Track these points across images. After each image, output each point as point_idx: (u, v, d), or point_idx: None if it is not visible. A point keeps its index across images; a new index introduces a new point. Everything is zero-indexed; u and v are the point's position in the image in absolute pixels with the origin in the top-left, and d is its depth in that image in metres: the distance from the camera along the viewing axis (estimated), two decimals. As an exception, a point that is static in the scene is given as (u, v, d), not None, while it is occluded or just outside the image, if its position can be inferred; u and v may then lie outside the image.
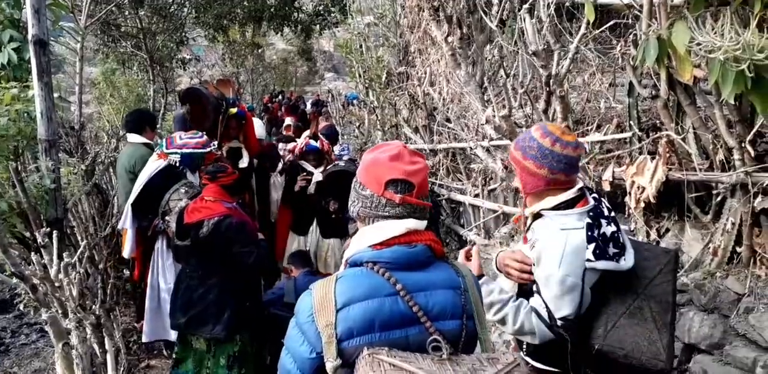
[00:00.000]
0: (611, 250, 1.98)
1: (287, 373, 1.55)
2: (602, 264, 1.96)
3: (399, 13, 6.41)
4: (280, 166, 5.49)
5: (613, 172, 3.87)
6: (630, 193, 3.70)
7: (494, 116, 4.37)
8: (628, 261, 2.02)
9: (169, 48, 13.06)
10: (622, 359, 1.92)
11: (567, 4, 4.15)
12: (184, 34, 14.00)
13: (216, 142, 4.44)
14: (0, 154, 3.35)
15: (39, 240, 2.39)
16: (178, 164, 4.08)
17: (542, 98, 4.18)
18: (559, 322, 1.96)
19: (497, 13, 4.31)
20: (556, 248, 1.99)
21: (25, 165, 3.64)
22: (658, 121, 3.81)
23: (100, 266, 4.30)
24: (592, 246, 1.96)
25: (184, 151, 4.08)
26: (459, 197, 5.90)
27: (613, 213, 2.09)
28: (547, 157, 2.05)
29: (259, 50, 21.62)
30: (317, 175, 5.00)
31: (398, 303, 1.48)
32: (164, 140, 4.19)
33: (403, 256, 1.54)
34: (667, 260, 2.10)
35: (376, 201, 1.58)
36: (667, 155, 3.52)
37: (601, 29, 3.93)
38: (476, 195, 5.52)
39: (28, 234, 3.77)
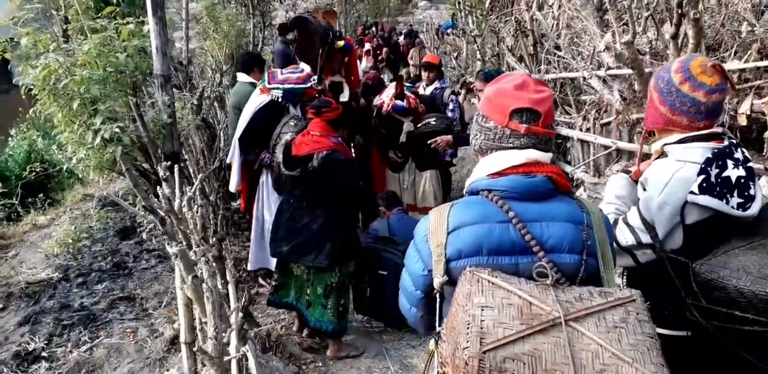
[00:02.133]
0: (728, 193, 1.76)
1: (404, 288, 1.70)
2: (705, 200, 1.74)
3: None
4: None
5: (752, 104, 3.47)
6: (769, 128, 3.33)
7: (615, 42, 4.00)
8: (747, 210, 1.77)
9: (268, -21, 12.95)
10: (720, 281, 1.67)
11: None
12: (278, -37, 13.79)
13: (316, 77, 4.39)
14: (120, 90, 3.48)
15: (161, 173, 2.48)
16: (280, 99, 4.09)
17: (669, 22, 3.75)
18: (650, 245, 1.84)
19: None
20: (664, 174, 1.84)
21: (143, 100, 3.77)
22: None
23: (211, 198, 4.52)
24: (701, 178, 1.75)
25: (286, 86, 4.07)
26: (567, 132, 5.58)
27: (750, 163, 1.83)
28: (672, 94, 1.86)
29: (353, -21, 21.06)
30: (407, 125, 4.97)
31: (509, 230, 1.51)
32: (266, 75, 4.21)
33: (520, 186, 1.54)
34: None
35: (500, 132, 1.58)
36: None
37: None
38: (587, 130, 5.19)
39: (147, 167, 3.96)
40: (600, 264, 1.54)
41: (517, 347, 1.26)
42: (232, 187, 4.33)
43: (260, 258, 4.43)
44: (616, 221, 1.97)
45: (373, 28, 18.13)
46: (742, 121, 3.55)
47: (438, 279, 1.51)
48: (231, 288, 2.28)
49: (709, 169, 1.75)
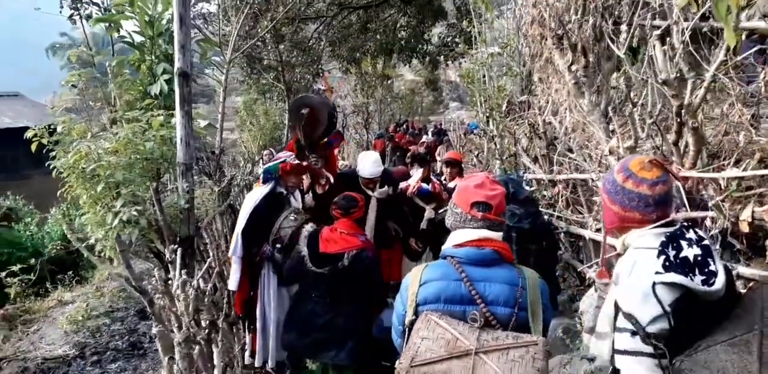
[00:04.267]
0: (690, 272, 1.79)
1: (393, 325, 2.25)
2: (671, 277, 1.76)
3: (521, 42, 6.33)
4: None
5: (753, 211, 3.49)
6: (772, 236, 3.31)
7: (618, 147, 4.15)
8: (711, 285, 1.78)
9: (306, 79, 13.92)
10: None
11: (704, 29, 3.86)
12: (320, 66, 14.85)
13: (293, 154, 4.50)
14: (143, 175, 3.73)
15: (167, 256, 2.60)
16: (261, 182, 4.18)
17: (673, 129, 3.89)
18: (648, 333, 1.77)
19: (626, 40, 4.12)
20: (627, 264, 1.92)
21: (165, 185, 4.01)
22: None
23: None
24: (661, 258, 1.80)
25: (264, 167, 4.24)
26: (579, 231, 5.60)
27: (707, 242, 1.87)
28: (619, 193, 1.98)
29: (389, 81, 22.35)
30: (429, 212, 5.10)
31: (461, 287, 2.07)
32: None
33: (472, 255, 2.13)
34: None
35: (464, 216, 2.21)
36: (819, 194, 3.12)
37: (743, 56, 3.61)
38: (597, 230, 5.21)
39: (162, 249, 4.10)
40: (529, 316, 2.06)
41: (436, 366, 1.85)
42: (232, 285, 4.23)
43: (266, 352, 4.29)
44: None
45: (405, 126, 18.93)
46: (744, 227, 3.54)
47: (408, 318, 2.09)
48: (217, 371, 2.29)
49: (666, 250, 1.82)
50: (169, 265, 2.57)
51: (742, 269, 3.57)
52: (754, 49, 3.73)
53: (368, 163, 5.16)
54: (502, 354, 1.84)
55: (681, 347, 1.77)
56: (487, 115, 7.37)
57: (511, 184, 4.59)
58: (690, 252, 1.82)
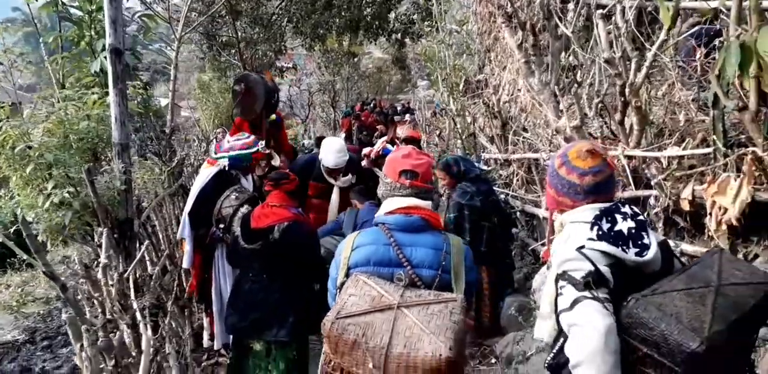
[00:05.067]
0: (624, 245, 1.83)
1: (329, 286, 2.40)
2: (602, 246, 1.81)
3: (472, 20, 6.28)
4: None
5: (693, 189, 3.54)
6: (711, 214, 3.37)
7: (566, 126, 4.16)
8: (643, 256, 1.82)
9: (267, 57, 13.62)
10: (651, 321, 1.66)
11: (649, 9, 3.86)
12: (283, 43, 14.54)
13: (263, 142, 4.37)
14: (78, 156, 3.59)
15: (96, 239, 2.52)
16: (226, 168, 4.04)
17: (618, 109, 3.92)
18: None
19: (573, 19, 4.10)
20: (563, 237, 1.97)
21: (105, 165, 3.87)
22: (745, 136, 3.44)
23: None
24: (594, 229, 1.85)
25: (231, 153, 4.05)
26: (533, 209, 5.66)
27: (641, 217, 1.91)
28: (554, 177, 2.02)
29: (355, 59, 22.07)
30: None
31: (390, 251, 2.23)
32: (212, 146, 4.23)
33: (401, 221, 2.27)
34: (764, 280, 1.84)
35: (394, 185, 2.36)
36: (754, 173, 3.17)
37: (683, 35, 3.62)
38: (551, 209, 5.26)
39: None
40: (452, 278, 2.22)
41: (360, 318, 1.98)
42: (185, 264, 4.16)
43: (225, 335, 4.20)
44: None
45: (372, 104, 18.77)
46: (685, 205, 3.60)
47: (340, 279, 2.26)
48: (144, 358, 2.24)
49: (599, 222, 1.86)
50: (99, 249, 2.48)
51: (685, 246, 3.64)
52: (693, 30, 3.75)
53: (333, 153, 5.02)
54: (423, 308, 1.99)
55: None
56: (447, 93, 7.32)
57: (462, 162, 4.60)
58: (624, 225, 1.86)
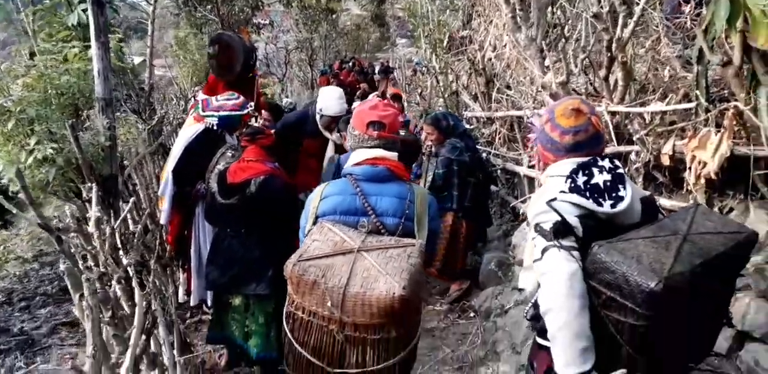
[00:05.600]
0: (600, 197, 1.88)
1: (300, 233, 2.47)
2: (573, 197, 1.87)
3: (459, -27, 6.17)
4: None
5: (674, 145, 3.61)
6: (690, 168, 3.45)
7: (552, 83, 4.17)
8: (616, 207, 1.87)
9: (245, 13, 13.20)
10: (612, 264, 1.71)
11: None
12: (259, -1, 14.06)
13: (252, 103, 4.26)
14: (60, 111, 3.51)
15: (84, 194, 2.50)
16: (215, 127, 3.97)
17: (604, 64, 3.92)
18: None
19: (561, -28, 4.05)
20: (542, 188, 2.05)
21: (86, 122, 3.78)
22: (728, 91, 3.49)
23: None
24: (568, 181, 1.90)
25: (221, 113, 3.97)
26: (514, 167, 5.72)
27: (620, 170, 1.95)
28: (541, 132, 2.06)
29: (333, 16, 21.52)
30: None
31: (356, 200, 2.32)
32: (200, 102, 4.10)
33: (368, 172, 2.36)
34: (737, 231, 1.89)
35: (362, 137, 2.43)
36: (734, 128, 3.24)
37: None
38: (531, 166, 5.33)
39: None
40: (415, 226, 2.33)
41: (321, 261, 2.09)
42: (163, 219, 4.11)
43: (202, 291, 4.21)
44: None
45: (351, 63, 18.46)
46: (666, 161, 3.68)
47: (308, 227, 2.35)
48: (138, 310, 2.27)
49: (575, 176, 1.91)
50: (85, 205, 2.46)
51: (663, 201, 3.74)
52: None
53: (334, 100, 4.88)
54: (382, 252, 2.11)
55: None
56: (431, 51, 7.24)
57: (451, 118, 4.60)
58: (600, 178, 1.90)
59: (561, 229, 1.83)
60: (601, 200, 1.87)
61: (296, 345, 2.17)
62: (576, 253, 1.82)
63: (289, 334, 2.20)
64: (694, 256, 1.72)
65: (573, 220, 1.85)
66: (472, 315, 4.52)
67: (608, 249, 1.76)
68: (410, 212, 2.33)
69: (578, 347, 1.74)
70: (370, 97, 5.87)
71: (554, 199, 1.88)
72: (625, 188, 1.91)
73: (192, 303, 4.25)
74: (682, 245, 1.75)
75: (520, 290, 4.35)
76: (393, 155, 2.43)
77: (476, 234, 4.84)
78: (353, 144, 2.47)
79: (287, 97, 15.40)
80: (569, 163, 1.96)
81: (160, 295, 3.54)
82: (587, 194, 1.87)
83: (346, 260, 2.08)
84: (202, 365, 3.76)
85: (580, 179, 1.89)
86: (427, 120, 4.56)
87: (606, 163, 1.94)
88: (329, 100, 4.90)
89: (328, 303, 2.03)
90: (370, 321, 2.03)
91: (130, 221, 3.98)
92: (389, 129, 2.42)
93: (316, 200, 2.39)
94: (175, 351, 2.89)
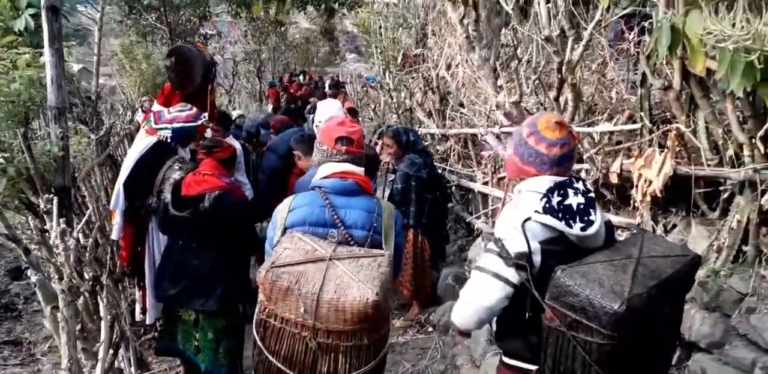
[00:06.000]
0: (571, 219, 1.92)
1: (267, 246, 2.47)
2: (546, 219, 1.90)
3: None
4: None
5: (621, 163, 3.81)
6: (637, 186, 3.64)
7: (505, 102, 4.33)
8: (586, 230, 1.92)
9: (192, 22, 13.07)
10: (576, 287, 1.77)
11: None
12: (207, 8, 13.97)
13: (206, 114, 4.18)
14: (9, 119, 3.37)
15: (42, 206, 2.42)
16: (168, 139, 3.86)
17: (555, 86, 4.11)
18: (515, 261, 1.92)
19: (514, -4, 4.23)
20: (513, 202, 2.07)
21: (36, 131, 3.65)
22: (669, 114, 3.72)
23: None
24: (543, 201, 1.92)
25: (175, 125, 3.85)
26: (468, 184, 5.86)
27: (591, 194, 2.01)
28: (522, 146, 2.05)
29: (282, 28, 21.50)
30: None
31: (325, 212, 2.36)
32: (152, 115, 3.99)
33: (336, 185, 2.40)
34: (683, 254, 2.00)
35: (330, 152, 2.46)
36: (677, 149, 3.46)
37: (617, 16, 3.84)
38: (485, 183, 5.48)
39: (36, 200, 3.76)
40: (382, 239, 2.40)
41: (293, 267, 2.10)
42: (114, 235, 3.98)
43: (158, 309, 4.03)
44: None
45: (300, 77, 18.46)
46: (614, 178, 3.88)
47: (277, 237, 2.35)
48: (104, 324, 2.21)
49: (550, 195, 1.92)
50: (45, 216, 2.38)
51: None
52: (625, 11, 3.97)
53: (336, 112, 4.67)
54: (353, 261, 2.16)
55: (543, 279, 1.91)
56: (384, 67, 7.35)
57: (411, 133, 4.64)
58: (575, 200, 1.94)
59: (520, 264, 1.89)
60: (571, 222, 1.91)
61: (267, 354, 2.16)
62: (509, 288, 1.94)
63: (259, 343, 2.19)
64: (647, 278, 1.82)
65: (535, 246, 1.91)
66: (430, 329, 4.57)
67: (570, 273, 1.82)
68: (378, 225, 2.40)
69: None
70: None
71: (528, 219, 1.91)
72: (595, 212, 1.97)
73: (148, 322, 4.11)
74: (636, 268, 1.84)
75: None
76: (360, 170, 2.49)
77: (436, 252, 4.89)
78: (321, 158, 2.50)
79: (235, 109, 15.20)
80: (547, 181, 1.99)
81: (113, 311, 3.43)
82: (559, 215, 1.90)
83: (318, 268, 2.12)
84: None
85: (555, 199, 1.92)
86: (388, 133, 4.59)
87: (580, 186, 1.99)
88: (332, 112, 4.74)
89: (302, 309, 2.04)
90: (344, 328, 2.06)
91: (80, 235, 3.83)
92: (357, 144, 2.49)
93: (284, 211, 2.42)
94: (132, 369, 2.81)
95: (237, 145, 4.80)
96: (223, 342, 3.50)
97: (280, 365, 2.14)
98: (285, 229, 2.37)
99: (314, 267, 2.11)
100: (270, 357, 2.15)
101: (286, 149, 4.65)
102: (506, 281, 1.93)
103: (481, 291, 1.98)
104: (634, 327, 1.76)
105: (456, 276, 4.89)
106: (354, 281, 2.06)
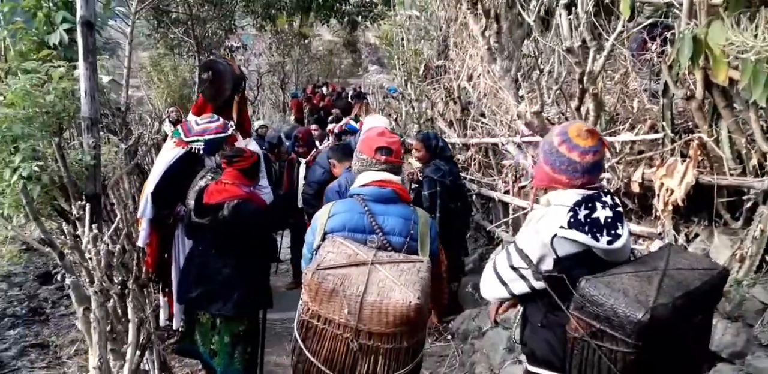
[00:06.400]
0: (598, 232, 1.91)
1: (305, 252, 2.57)
2: (572, 234, 1.90)
3: (438, 6, 6.40)
4: (313, 152, 5.62)
5: (643, 173, 3.81)
6: (658, 195, 3.64)
7: (526, 112, 4.36)
8: (613, 244, 1.92)
9: (218, 35, 13.35)
10: (600, 297, 1.78)
11: (606, 0, 4.08)
12: (233, 21, 14.26)
13: (233, 123, 4.24)
14: (44, 130, 3.51)
15: (74, 212, 2.52)
16: (201, 151, 3.91)
17: (576, 96, 4.13)
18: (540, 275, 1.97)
19: (535, 7, 4.27)
20: (540, 213, 2.08)
21: (68, 141, 3.79)
22: (692, 123, 3.72)
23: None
24: (569, 215, 1.92)
25: (206, 137, 3.91)
26: (489, 193, 5.89)
27: (620, 209, 2.01)
28: (553, 154, 2.05)
29: (306, 41, 21.83)
30: None
31: (364, 219, 2.45)
32: (180, 127, 4.05)
33: (375, 193, 2.50)
34: (710, 267, 2.01)
35: (369, 161, 2.57)
36: (699, 158, 3.45)
37: (639, 27, 3.86)
38: (506, 192, 5.50)
39: (68, 207, 3.89)
40: (419, 245, 2.48)
41: (337, 270, 2.18)
42: (140, 242, 4.05)
43: (182, 311, 4.11)
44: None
45: (324, 88, 18.68)
46: (635, 188, 3.87)
47: (317, 242, 2.43)
48: (131, 326, 2.29)
49: (577, 209, 1.93)
50: (77, 222, 2.48)
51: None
52: (647, 22, 3.99)
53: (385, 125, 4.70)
54: (394, 266, 2.24)
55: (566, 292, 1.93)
56: (405, 78, 7.44)
57: (441, 140, 4.65)
58: (602, 213, 1.94)
59: (550, 279, 1.93)
60: (598, 235, 1.91)
61: (308, 354, 2.23)
62: (507, 295, 2.11)
63: (300, 343, 2.26)
64: (673, 289, 1.82)
65: (558, 259, 1.95)
66: (449, 337, 4.58)
67: (595, 283, 1.84)
68: (414, 232, 2.48)
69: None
70: (345, 120, 6.09)
71: (555, 236, 1.92)
72: (623, 226, 1.97)
73: (175, 326, 4.20)
74: (662, 279, 1.85)
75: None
76: (398, 178, 2.59)
77: (454, 264, 4.77)
78: (360, 167, 2.61)
79: (258, 119, 15.44)
80: (574, 194, 1.99)
81: (140, 315, 3.52)
82: (586, 228, 1.90)
83: (361, 271, 2.19)
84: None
85: (582, 212, 1.92)
86: (418, 136, 4.62)
87: (609, 199, 1.99)
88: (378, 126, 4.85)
89: (346, 311, 2.12)
90: (385, 330, 2.12)
91: (109, 241, 3.96)
92: (395, 154, 2.60)
93: (323, 217, 2.50)
94: (156, 371, 2.89)
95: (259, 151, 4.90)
96: (239, 346, 3.56)
97: (320, 365, 2.21)
98: (325, 234, 2.45)
99: (357, 271, 2.20)
100: (311, 358, 2.22)
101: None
102: (509, 291, 2.08)
103: (487, 287, 2.16)
104: (659, 337, 1.76)
105: (475, 284, 4.86)
106: (396, 285, 2.14)
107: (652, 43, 4.06)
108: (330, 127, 5.94)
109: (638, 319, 1.70)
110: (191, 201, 3.58)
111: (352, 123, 5.45)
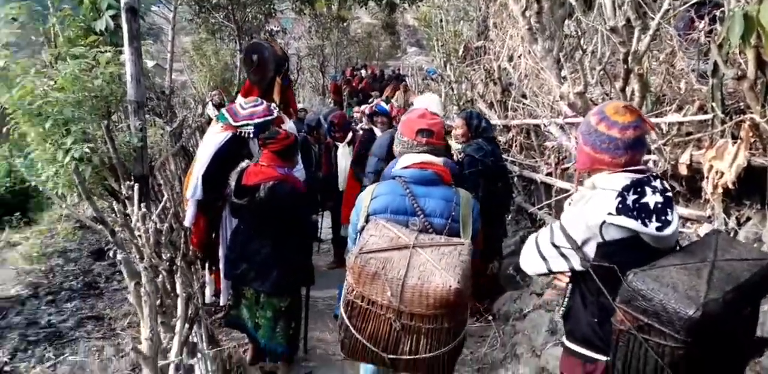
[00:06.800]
0: (647, 218, 1.86)
1: (350, 232, 2.67)
2: (621, 220, 1.85)
3: (475, -14, 6.30)
4: (350, 136, 5.63)
5: (691, 155, 3.70)
6: (708, 178, 3.53)
7: (569, 92, 4.27)
8: (662, 231, 1.87)
9: (258, 20, 13.44)
10: (649, 292, 1.74)
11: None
12: (272, 5, 14.31)
13: (275, 105, 4.29)
14: (93, 113, 3.63)
15: (124, 192, 2.62)
16: (251, 135, 3.97)
17: (620, 76, 4.03)
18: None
19: (579, -14, 4.16)
20: (588, 195, 2.02)
21: (116, 124, 3.92)
22: (743, 104, 3.59)
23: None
24: (617, 200, 1.87)
25: (256, 121, 3.97)
26: (531, 175, 5.82)
27: (669, 194, 1.95)
28: (591, 134, 2.01)
29: (344, 23, 21.78)
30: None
31: (405, 201, 2.47)
32: (226, 112, 4.09)
33: (416, 175, 2.51)
34: (760, 258, 1.92)
35: (411, 143, 2.59)
36: (750, 139, 3.33)
37: (686, 5, 3.72)
38: (549, 174, 5.42)
39: (117, 187, 4.04)
40: (460, 227, 2.49)
41: (380, 254, 2.24)
42: (187, 222, 4.16)
43: (229, 288, 4.29)
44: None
45: (363, 71, 18.65)
46: (683, 170, 3.77)
47: (361, 223, 2.50)
48: (180, 301, 2.39)
49: (626, 193, 1.88)
50: (126, 201, 2.59)
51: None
52: (692, 1, 3.84)
53: (435, 106, 4.66)
54: (435, 249, 2.27)
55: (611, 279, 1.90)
56: (445, 60, 7.36)
57: (483, 120, 4.56)
58: (652, 199, 1.89)
59: (598, 269, 1.92)
60: (647, 221, 1.86)
61: (353, 331, 2.32)
62: (545, 270, 2.12)
63: (346, 321, 2.34)
64: (723, 282, 1.77)
65: (592, 246, 1.94)
66: (489, 318, 4.59)
67: (643, 277, 1.79)
68: (456, 214, 2.49)
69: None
70: (375, 101, 6.10)
71: (603, 222, 1.89)
72: (673, 212, 1.92)
73: (222, 303, 4.37)
74: (712, 272, 1.80)
75: (539, 295, 4.43)
76: (439, 160, 2.58)
77: (491, 246, 4.70)
78: (402, 149, 2.63)
79: (298, 102, 15.57)
80: (623, 178, 1.94)
81: (188, 290, 3.66)
82: (635, 213, 1.86)
83: (403, 255, 2.24)
84: (230, 359, 3.87)
85: (630, 197, 1.87)
86: (461, 114, 4.53)
87: (658, 184, 1.94)
88: (432, 106, 4.54)
89: (388, 293, 2.18)
90: (426, 312, 2.18)
91: (157, 219, 4.10)
92: (437, 136, 2.60)
93: (366, 199, 2.55)
94: (204, 344, 3.01)
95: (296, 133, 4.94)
96: (281, 321, 3.69)
97: (365, 342, 2.29)
98: (368, 215, 2.50)
99: (399, 255, 2.24)
100: (356, 334, 2.31)
101: (386, 152, 4.65)
102: (548, 267, 2.09)
103: (527, 261, 2.19)
104: (709, 333, 1.72)
105: (516, 266, 4.85)
106: (437, 269, 2.18)
107: (700, 22, 3.91)
108: (362, 107, 5.97)
109: (689, 316, 1.66)
110: (232, 183, 3.68)
111: (383, 104, 5.41)
